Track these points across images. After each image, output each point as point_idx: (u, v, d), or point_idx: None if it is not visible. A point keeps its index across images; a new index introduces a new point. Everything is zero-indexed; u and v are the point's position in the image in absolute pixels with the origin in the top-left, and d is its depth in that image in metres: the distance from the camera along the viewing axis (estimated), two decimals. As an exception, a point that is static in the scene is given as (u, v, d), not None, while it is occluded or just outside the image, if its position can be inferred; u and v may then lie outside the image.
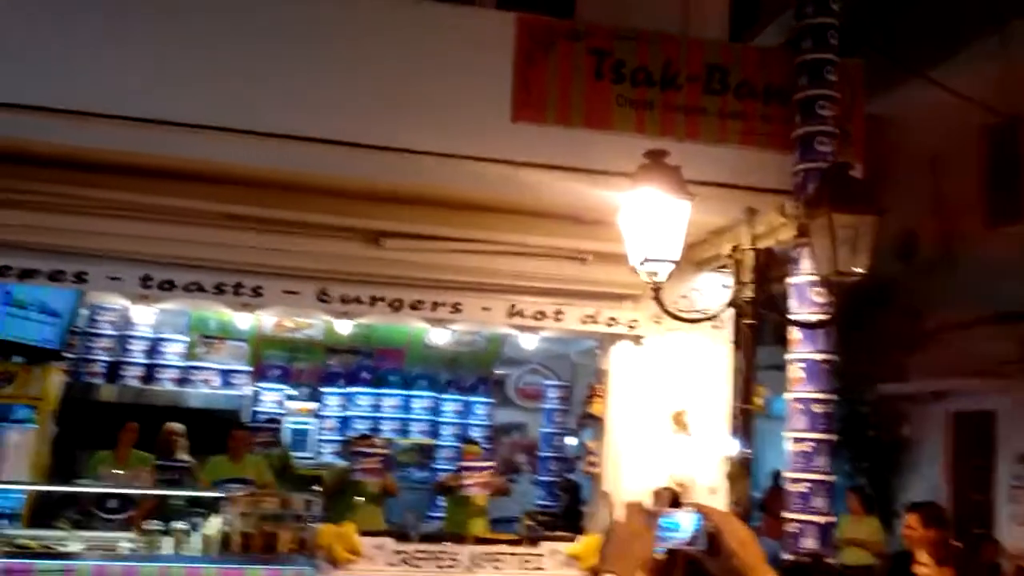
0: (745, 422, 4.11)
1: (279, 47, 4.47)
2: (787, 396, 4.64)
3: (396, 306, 5.21)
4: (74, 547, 5.21)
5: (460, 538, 5.50)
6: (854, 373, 8.78)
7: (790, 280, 4.67)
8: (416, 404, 8.66)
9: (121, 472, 5.90)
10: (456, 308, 5.26)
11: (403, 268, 5.17)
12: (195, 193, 4.81)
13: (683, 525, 1.44)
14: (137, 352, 7.46)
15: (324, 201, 4.92)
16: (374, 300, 5.18)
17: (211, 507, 5.75)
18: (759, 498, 9.10)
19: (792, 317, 4.54)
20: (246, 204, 4.91)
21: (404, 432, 8.61)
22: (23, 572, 4.92)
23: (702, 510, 1.48)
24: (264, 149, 4.43)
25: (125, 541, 5.34)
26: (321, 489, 6.14)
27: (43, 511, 6.02)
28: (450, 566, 5.27)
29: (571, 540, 5.17)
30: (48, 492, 6.09)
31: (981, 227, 8.44)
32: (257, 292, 5.15)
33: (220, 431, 6.69)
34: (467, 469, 5.68)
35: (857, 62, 5.03)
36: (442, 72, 4.55)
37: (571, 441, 8.33)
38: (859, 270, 4.00)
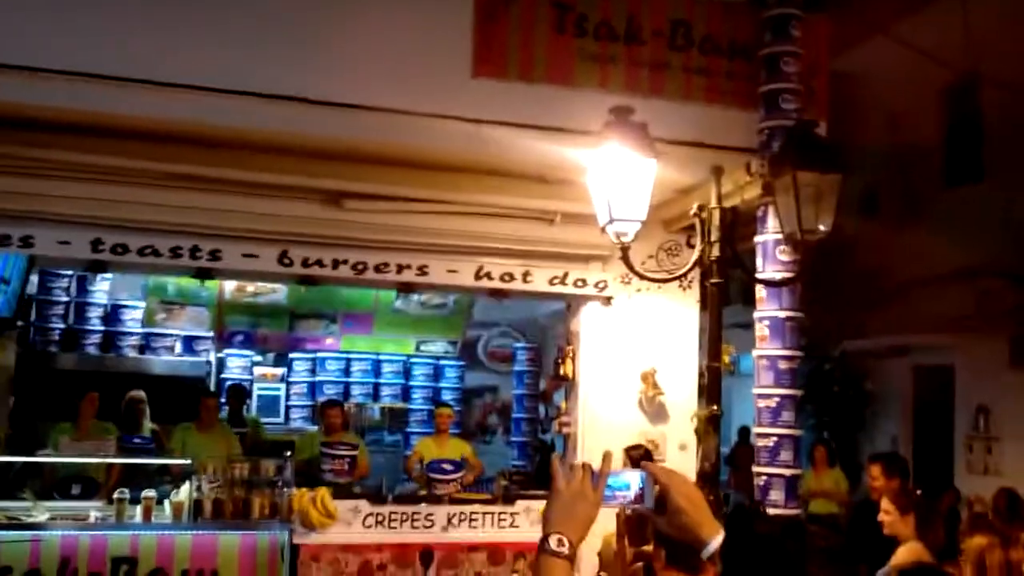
0: (712, 380, 4.13)
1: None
2: (754, 353, 4.69)
3: (360, 269, 5.11)
4: (41, 517, 5.13)
5: (435, 499, 5.51)
6: (818, 330, 8.97)
7: (757, 239, 4.67)
8: (386, 368, 8.61)
9: (82, 444, 5.78)
10: (422, 271, 5.18)
11: (366, 230, 5.06)
12: (148, 153, 4.62)
13: (631, 484, 1.43)
14: (94, 319, 7.26)
15: (283, 161, 4.76)
16: (336, 263, 5.07)
17: (181, 475, 5.68)
18: (727, 453, 9.31)
19: (758, 276, 4.55)
20: (202, 164, 4.73)
21: (375, 396, 8.57)
22: (-11, 544, 4.84)
23: (648, 468, 1.46)
24: (218, 106, 4.25)
25: (94, 511, 5.26)
26: (292, 454, 6.09)
27: (5, 483, 5.90)
28: (426, 526, 5.29)
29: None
30: (10, 464, 5.95)
31: (941, 185, 8.55)
32: (215, 256, 5.01)
33: (185, 398, 6.58)
34: (438, 482, 5.66)
35: (822, 18, 4.98)
36: (401, 26, 4.39)
37: (560, 403, 8.37)
38: (823, 228, 4.00)
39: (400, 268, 5.14)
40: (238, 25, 4.24)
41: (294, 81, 4.28)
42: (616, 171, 3.80)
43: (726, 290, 4.10)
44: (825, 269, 8.52)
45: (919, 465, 7.82)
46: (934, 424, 8.74)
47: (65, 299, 7.13)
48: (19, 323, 6.43)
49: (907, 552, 3.26)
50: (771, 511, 4.45)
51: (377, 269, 5.12)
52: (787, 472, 4.42)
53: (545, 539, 1.37)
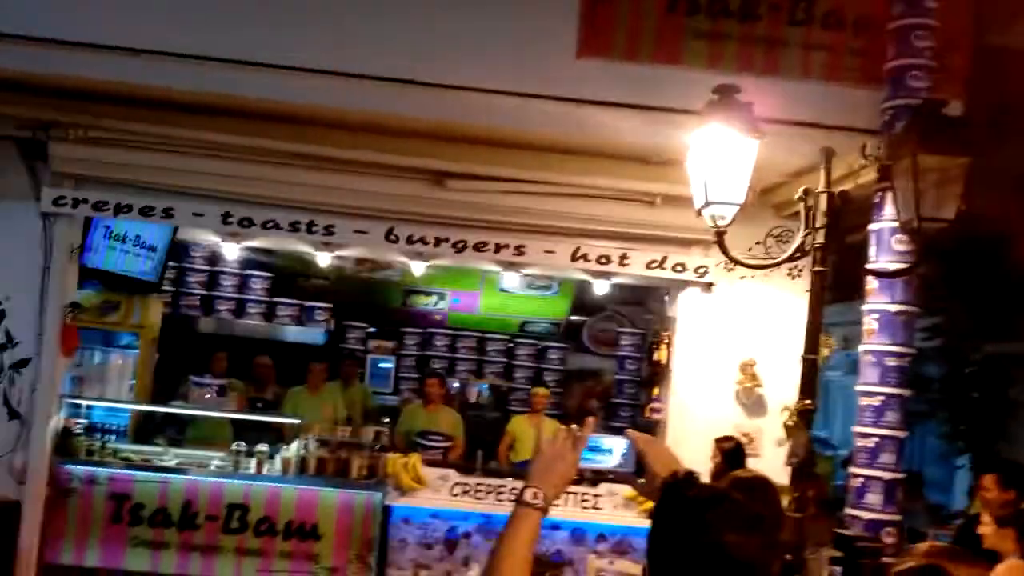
0: (809, 373, 3.93)
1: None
2: (860, 348, 4.40)
3: (460, 247, 5.26)
4: (170, 462, 5.72)
5: (521, 475, 5.61)
6: (958, 330, 8.22)
7: (871, 226, 4.36)
8: (490, 347, 8.81)
9: (211, 397, 6.37)
10: (519, 250, 5.26)
11: (467, 209, 5.20)
12: (271, 133, 4.98)
13: (614, 450, 1.47)
14: (228, 287, 7.90)
15: (391, 142, 4.99)
16: (438, 241, 5.25)
17: (292, 434, 6.14)
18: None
19: (868, 266, 4.25)
20: (318, 144, 5.05)
21: (478, 373, 8.80)
22: (126, 482, 5.48)
23: (630, 436, 1.51)
24: (333, 88, 4.50)
25: (215, 460, 5.80)
26: (391, 421, 6.41)
27: (145, 429, 6.62)
28: (511, 500, 5.40)
29: (631, 483, 5.19)
30: (151, 412, 6.67)
31: (1115, 175, 7.55)
32: (329, 231, 5.33)
33: (305, 364, 7.06)
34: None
35: (964, -14, 4.53)
36: (505, 5, 4.44)
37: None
38: (946, 217, 3.68)
39: (498, 247, 5.24)
40: (351, 12, 4.45)
41: (403, 64, 4.43)
42: (716, 152, 3.68)
43: (843, 284, 3.87)
44: (971, 263, 7.83)
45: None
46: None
47: (205, 268, 7.83)
48: (164, 288, 7.12)
49: (1006, 570, 2.97)
50: (865, 515, 4.20)
51: (476, 248, 5.25)
52: (886, 475, 4.13)
53: (523, 491, 1.48)
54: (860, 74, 4.44)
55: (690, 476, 1.38)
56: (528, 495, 1.48)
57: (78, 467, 5.46)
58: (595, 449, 1.54)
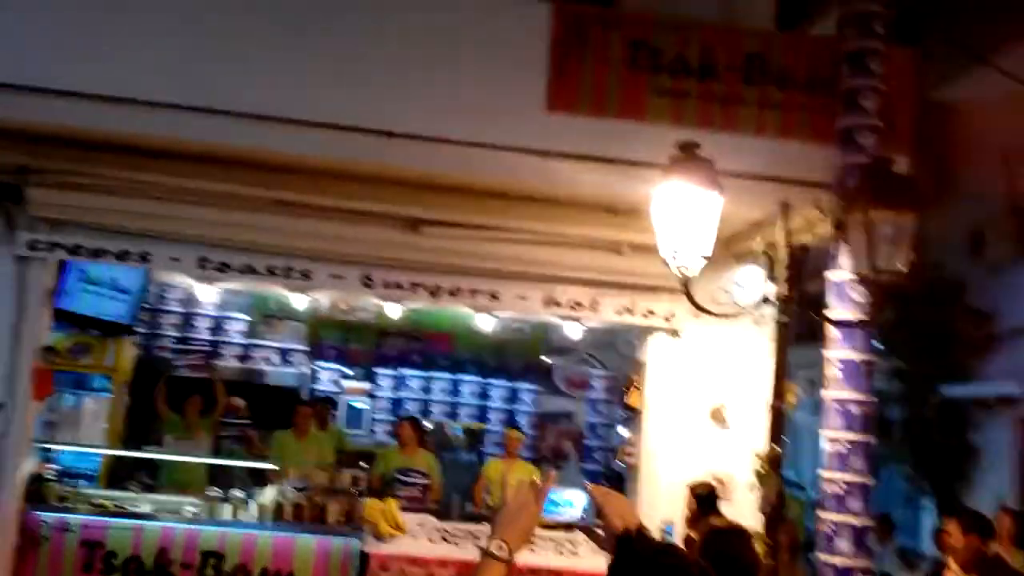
0: (776, 420, 4.07)
1: (325, 40, 4.66)
2: (823, 395, 4.55)
3: (435, 292, 5.37)
4: (144, 508, 5.65)
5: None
6: (918, 374, 8.45)
7: (829, 276, 4.56)
8: (464, 388, 8.88)
9: (182, 443, 6.33)
10: (493, 296, 5.38)
11: (442, 255, 5.32)
12: (248, 180, 5.08)
13: (575, 502, 1.59)
14: (202, 329, 7.91)
15: (368, 189, 5.10)
16: (414, 286, 5.35)
17: (266, 478, 6.11)
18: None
19: (828, 315, 4.44)
20: (296, 191, 5.15)
21: (453, 415, 8.84)
22: (99, 528, 5.40)
23: (589, 489, 1.65)
24: (310, 138, 4.63)
25: (189, 506, 5.75)
26: (368, 467, 6.40)
27: (117, 474, 6.54)
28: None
29: (589, 534, 5.21)
30: (122, 456, 6.59)
31: (1059, 224, 7.93)
32: (306, 275, 5.41)
33: (280, 407, 7.05)
34: None
35: (908, 51, 4.83)
36: (478, 61, 4.64)
37: (623, 431, 8.36)
38: (898, 268, 3.89)
39: (472, 293, 5.36)
40: (330, 66, 4.62)
41: (379, 116, 4.59)
42: (680, 205, 3.86)
43: (799, 329, 4.03)
44: (927, 311, 8.11)
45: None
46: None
47: (179, 310, 7.84)
48: (137, 330, 7.11)
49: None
50: (837, 561, 4.29)
51: (451, 293, 5.36)
52: (856, 521, 4.24)
53: (488, 542, 1.54)
54: (813, 131, 4.69)
55: (641, 532, 1.48)
56: (493, 546, 1.52)
57: (49, 514, 5.38)
58: (557, 503, 1.62)
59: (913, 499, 8.86)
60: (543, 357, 8.89)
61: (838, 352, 4.48)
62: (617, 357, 8.71)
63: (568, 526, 1.70)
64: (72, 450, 6.09)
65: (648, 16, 4.76)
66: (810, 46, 4.84)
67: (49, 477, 5.58)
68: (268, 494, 5.74)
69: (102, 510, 5.52)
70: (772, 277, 4.06)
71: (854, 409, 4.40)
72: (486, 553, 1.53)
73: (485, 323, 6.28)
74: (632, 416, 5.90)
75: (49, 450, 5.84)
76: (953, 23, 7.46)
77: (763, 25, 5.14)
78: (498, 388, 8.85)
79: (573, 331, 6.23)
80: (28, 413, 5.34)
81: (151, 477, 6.45)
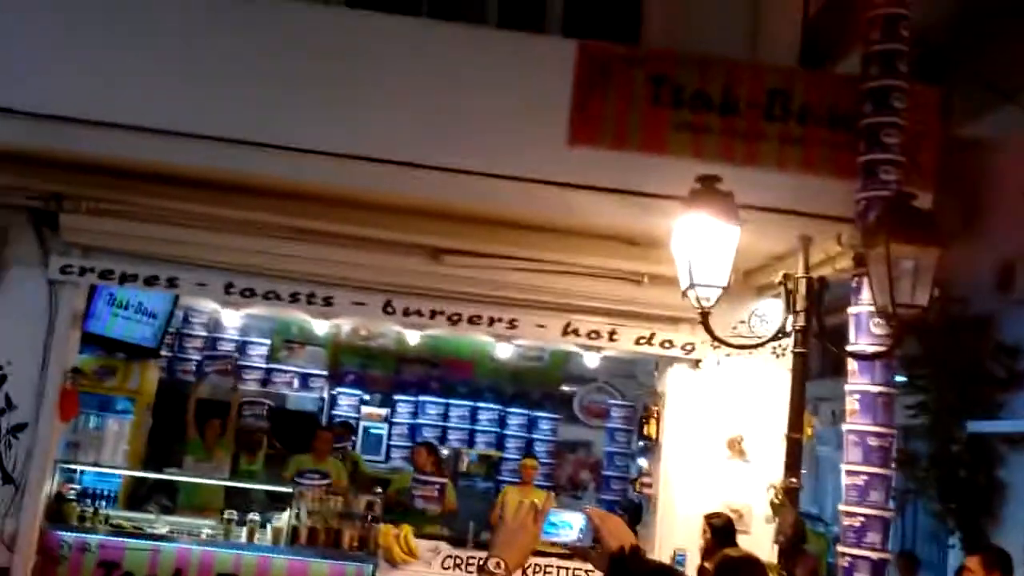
0: (793, 451, 4.04)
1: (350, 74, 4.79)
2: (843, 427, 4.52)
3: (455, 320, 5.42)
4: (162, 530, 5.70)
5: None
6: (944, 409, 8.33)
7: (850, 309, 4.55)
8: (483, 416, 8.86)
9: (202, 465, 6.39)
10: (512, 324, 5.42)
11: (462, 284, 5.38)
12: (275, 208, 5.21)
13: (573, 524, 1.62)
14: (225, 353, 7.99)
15: (390, 218, 5.21)
16: (434, 313, 5.41)
17: (283, 502, 6.13)
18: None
19: (848, 348, 4.42)
20: (320, 220, 5.27)
21: (470, 443, 8.82)
22: (117, 549, 5.46)
23: (587, 512, 1.68)
24: (337, 169, 4.74)
25: (206, 528, 5.79)
26: (383, 491, 6.41)
27: (137, 495, 6.60)
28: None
29: (587, 555, 5.17)
30: (142, 478, 6.67)
31: (1087, 259, 7.83)
32: (328, 302, 5.49)
33: (299, 431, 7.09)
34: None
35: (932, 89, 4.86)
36: (502, 96, 4.73)
37: (643, 462, 8.30)
38: (919, 303, 3.88)
39: (492, 321, 5.40)
40: (356, 99, 4.74)
41: (403, 147, 4.70)
42: (699, 237, 3.89)
43: (819, 361, 4.01)
44: (953, 346, 8.01)
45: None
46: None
47: (203, 334, 7.94)
48: (162, 353, 7.22)
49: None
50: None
51: (470, 321, 5.41)
52: (874, 555, 4.18)
53: (486, 561, 1.56)
54: (834, 166, 4.71)
55: (635, 551, 1.50)
56: (491, 564, 1.55)
57: (69, 533, 5.45)
58: (556, 524, 1.67)
59: (939, 536, 8.66)
60: (562, 386, 8.87)
61: (857, 385, 4.45)
62: (637, 387, 8.69)
63: (566, 547, 1.74)
64: (93, 471, 6.17)
65: (670, 52, 4.84)
66: (832, 83, 4.88)
67: (70, 497, 5.66)
68: (283, 518, 5.77)
69: (120, 530, 5.58)
70: (791, 309, 4.05)
71: (872, 441, 4.36)
72: (484, 570, 1.55)
73: (504, 351, 6.33)
74: (650, 446, 5.88)
75: (72, 470, 5.92)
76: (981, 61, 7.49)
77: (786, 62, 5.19)
78: (516, 416, 8.83)
79: (592, 360, 6.24)
80: (53, 433, 5.45)
81: (170, 499, 6.51)
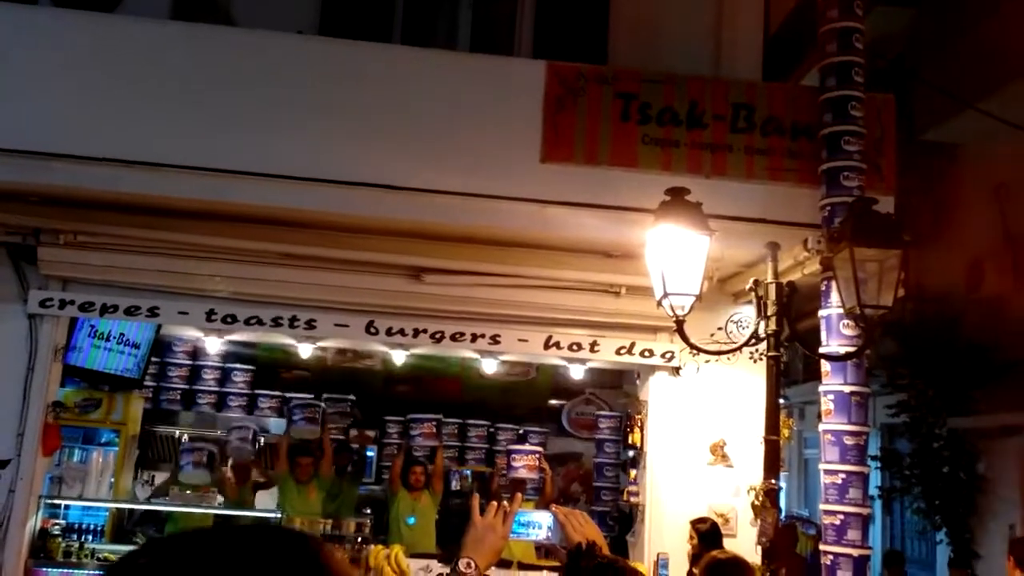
0: (771, 454, 4.14)
1: (326, 100, 4.87)
2: (819, 428, 4.63)
3: (437, 338, 5.48)
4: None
5: (506, 563, 5.64)
6: (923, 407, 8.49)
7: (820, 312, 4.67)
8: (472, 432, 8.88)
9: (190, 493, 6.36)
10: (495, 339, 5.49)
11: (443, 302, 5.45)
12: (253, 235, 5.26)
13: (542, 524, 1.69)
14: (210, 380, 7.99)
15: (370, 240, 5.28)
16: (417, 332, 5.47)
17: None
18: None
19: (820, 350, 4.54)
20: (299, 244, 5.32)
21: (461, 460, 8.83)
22: (104, 584, 5.41)
23: (554, 510, 1.73)
24: (315, 194, 4.81)
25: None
26: (372, 511, 6.43)
27: (123, 528, 6.55)
28: (493, 591, 5.43)
29: (555, 553, 5.25)
30: (129, 510, 6.62)
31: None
32: (311, 325, 5.54)
33: (290, 456, 7.05)
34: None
35: (888, 97, 5.03)
36: (476, 117, 4.84)
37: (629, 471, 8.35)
38: (885, 303, 4.00)
39: (474, 337, 5.47)
40: (332, 125, 4.82)
41: (382, 171, 4.79)
42: (671, 248, 4.00)
43: (791, 364, 4.11)
44: (930, 343, 8.18)
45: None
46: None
47: (186, 362, 7.93)
48: (145, 383, 7.21)
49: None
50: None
51: (453, 338, 5.48)
52: (855, 552, 4.27)
53: (456, 562, 1.62)
54: (799, 174, 4.86)
55: (592, 547, 1.57)
56: (462, 565, 1.60)
57: (55, 570, 5.40)
58: (524, 524, 1.72)
59: (926, 532, 8.79)
60: (550, 400, 8.93)
61: (830, 385, 4.57)
62: (623, 397, 8.76)
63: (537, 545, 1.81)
64: (78, 504, 6.13)
65: (637, 71, 4.98)
66: (794, 95, 5.04)
67: (55, 533, 5.61)
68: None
69: (107, 565, 5.52)
70: (762, 314, 4.17)
71: (848, 440, 4.47)
72: (455, 571, 1.60)
73: (490, 367, 6.39)
74: (635, 455, 5.95)
75: (56, 505, 5.88)
76: (941, 69, 7.74)
77: (749, 77, 5.36)
78: (506, 431, 8.87)
79: (577, 372, 6.32)
80: (36, 469, 5.42)
81: (158, 531, 6.47)
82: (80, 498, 6.14)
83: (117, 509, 6.49)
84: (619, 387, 8.63)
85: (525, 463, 5.30)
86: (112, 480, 6.69)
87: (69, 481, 6.25)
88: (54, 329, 5.50)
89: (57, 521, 5.78)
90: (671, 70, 5.11)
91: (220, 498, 6.29)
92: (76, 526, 6.04)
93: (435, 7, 6.06)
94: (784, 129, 4.91)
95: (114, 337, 6.28)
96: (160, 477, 7.14)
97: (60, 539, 5.62)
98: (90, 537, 6.04)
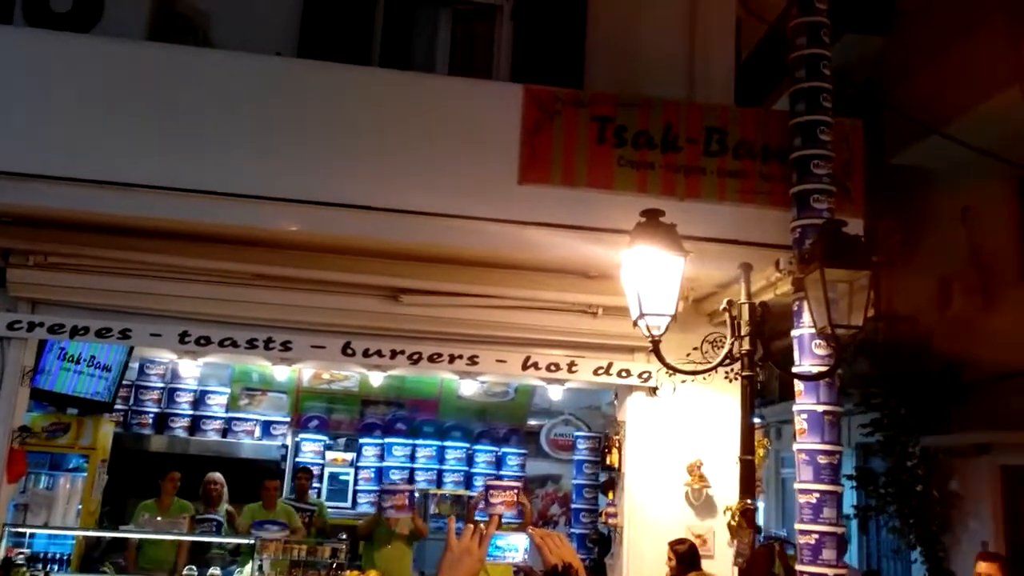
0: (747, 473, 4.15)
1: (303, 122, 4.88)
2: (793, 447, 4.66)
3: (415, 359, 5.46)
4: (117, 592, 5.52)
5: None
6: (896, 426, 8.59)
7: (793, 332, 4.74)
8: (450, 455, 8.83)
9: (161, 519, 6.23)
10: (472, 360, 5.48)
11: (421, 323, 5.44)
12: (229, 255, 5.21)
13: (518, 547, 1.69)
14: (184, 404, 7.87)
15: (347, 261, 5.26)
16: (394, 353, 5.45)
17: (245, 554, 6.01)
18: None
19: (793, 370, 4.59)
20: (275, 265, 5.29)
21: (438, 483, 8.76)
22: (71, 615, 5.25)
23: (530, 532, 1.73)
24: (291, 214, 4.80)
25: (164, 586, 5.63)
26: (348, 536, 6.33)
27: (92, 556, 6.38)
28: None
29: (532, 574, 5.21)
30: (97, 538, 6.45)
31: (1017, 278, 8.26)
32: (286, 346, 5.48)
33: (261, 480, 6.96)
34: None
35: (855, 122, 5.16)
36: (454, 139, 4.88)
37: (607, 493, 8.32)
38: (856, 323, 4.06)
39: (452, 358, 5.46)
40: (314, 149, 4.82)
41: (360, 192, 4.79)
42: (646, 269, 4.04)
43: (766, 385, 4.14)
44: (902, 363, 8.31)
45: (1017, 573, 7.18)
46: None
47: (160, 385, 7.80)
48: (116, 407, 7.07)
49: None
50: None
51: (431, 359, 5.46)
52: (830, 572, 4.29)
53: None
54: (770, 196, 4.95)
55: (568, 569, 1.57)
56: None
57: (18, 601, 5.25)
58: (501, 548, 1.72)
59: (901, 551, 8.85)
60: (529, 420, 8.91)
61: (804, 405, 4.61)
62: (601, 418, 8.77)
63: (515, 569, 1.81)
64: (44, 532, 5.96)
65: (613, 95, 5.06)
66: (765, 119, 5.14)
67: (19, 562, 5.46)
68: (246, 571, 5.65)
69: (74, 594, 5.39)
70: (736, 334, 4.21)
71: (822, 459, 4.50)
72: None
73: (468, 388, 6.36)
74: (613, 476, 5.94)
75: (21, 534, 5.72)
76: (912, 94, 7.95)
77: (722, 101, 5.46)
78: (484, 453, 8.82)
79: (555, 393, 6.32)
80: (1, 496, 5.28)
81: (126, 559, 6.31)
82: (46, 526, 5.98)
83: (84, 538, 6.32)
84: (598, 408, 8.64)
85: (503, 499, 5.27)
86: (80, 507, 6.55)
87: (35, 508, 6.09)
88: (22, 352, 5.39)
89: (22, 550, 5.63)
90: (646, 94, 5.20)
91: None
92: (41, 555, 5.88)
93: (414, 30, 6.12)
94: (755, 152, 5.00)
95: (84, 360, 6.17)
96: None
97: (25, 569, 5.46)
98: (56, 567, 5.88)
